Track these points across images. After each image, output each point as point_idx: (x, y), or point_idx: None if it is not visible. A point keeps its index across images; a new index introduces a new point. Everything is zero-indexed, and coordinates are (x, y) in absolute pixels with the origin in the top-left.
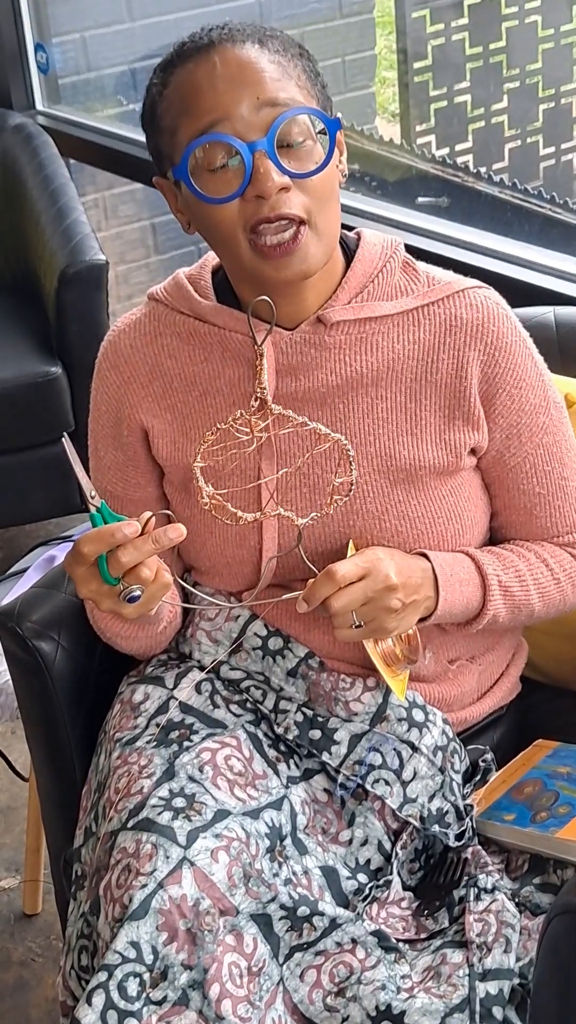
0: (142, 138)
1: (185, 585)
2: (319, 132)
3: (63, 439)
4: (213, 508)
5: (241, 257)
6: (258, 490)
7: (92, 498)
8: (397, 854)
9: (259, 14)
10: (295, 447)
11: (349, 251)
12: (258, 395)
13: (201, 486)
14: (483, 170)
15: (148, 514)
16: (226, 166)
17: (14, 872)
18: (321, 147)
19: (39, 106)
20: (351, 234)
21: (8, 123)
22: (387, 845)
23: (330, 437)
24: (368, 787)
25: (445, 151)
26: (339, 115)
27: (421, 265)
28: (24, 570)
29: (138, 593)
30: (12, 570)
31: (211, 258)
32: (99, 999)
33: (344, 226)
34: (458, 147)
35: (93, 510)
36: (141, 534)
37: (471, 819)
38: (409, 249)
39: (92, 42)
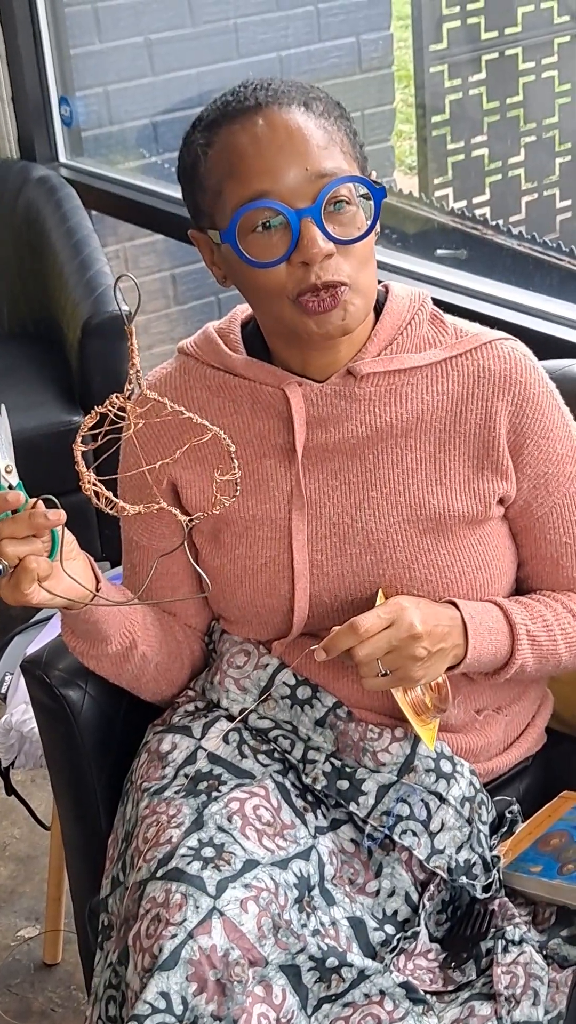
0: (163, 190)
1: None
2: (360, 196)
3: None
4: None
5: (283, 315)
6: (289, 540)
7: (8, 472)
8: (424, 905)
9: (279, 69)
10: (325, 497)
11: (378, 304)
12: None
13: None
14: (500, 223)
15: (36, 500)
16: (270, 227)
17: (34, 921)
18: (364, 212)
19: (62, 158)
20: (379, 287)
21: (32, 175)
22: (414, 896)
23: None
24: (395, 838)
25: (463, 204)
26: (374, 174)
27: (448, 318)
28: (49, 618)
29: None
30: (36, 618)
31: (239, 312)
32: None
33: None
34: (475, 200)
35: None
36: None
37: (498, 871)
38: None
39: (115, 96)
